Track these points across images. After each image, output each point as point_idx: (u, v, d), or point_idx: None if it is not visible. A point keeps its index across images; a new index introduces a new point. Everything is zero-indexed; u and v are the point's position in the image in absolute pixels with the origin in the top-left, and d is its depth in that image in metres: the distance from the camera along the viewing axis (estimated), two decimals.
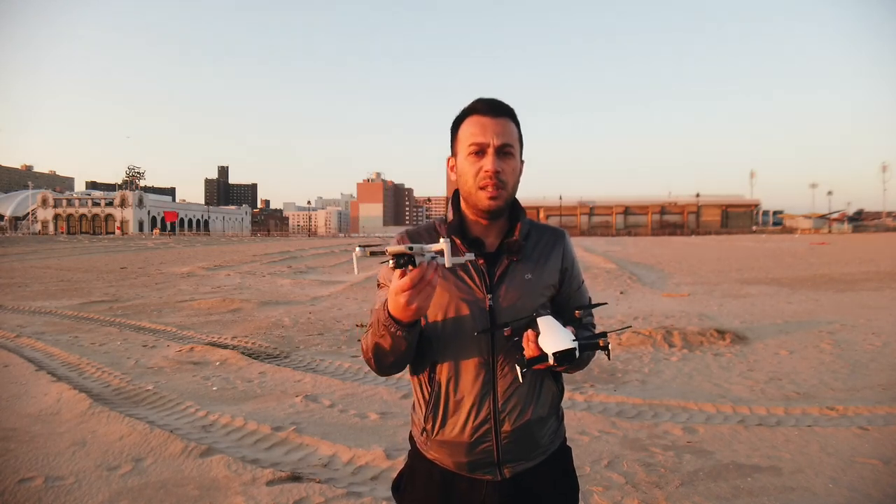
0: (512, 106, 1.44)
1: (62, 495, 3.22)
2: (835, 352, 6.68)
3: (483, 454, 1.40)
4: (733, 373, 5.85)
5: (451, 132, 1.46)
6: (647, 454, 3.77)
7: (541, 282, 1.43)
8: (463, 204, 1.47)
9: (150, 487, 3.33)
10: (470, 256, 1.19)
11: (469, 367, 1.39)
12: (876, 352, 6.66)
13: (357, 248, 1.14)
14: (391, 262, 1.10)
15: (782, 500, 3.14)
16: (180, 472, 3.52)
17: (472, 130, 1.40)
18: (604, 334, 1.22)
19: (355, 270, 1.32)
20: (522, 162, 1.48)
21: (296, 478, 3.41)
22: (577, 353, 1.16)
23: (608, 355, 1.23)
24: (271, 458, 3.77)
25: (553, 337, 1.18)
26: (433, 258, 1.12)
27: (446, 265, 1.11)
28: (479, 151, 1.39)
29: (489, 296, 1.39)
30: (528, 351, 1.23)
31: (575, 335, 1.20)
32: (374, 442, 3.97)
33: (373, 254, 1.15)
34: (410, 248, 1.08)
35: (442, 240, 1.12)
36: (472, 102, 1.44)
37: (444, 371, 1.41)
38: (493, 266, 1.42)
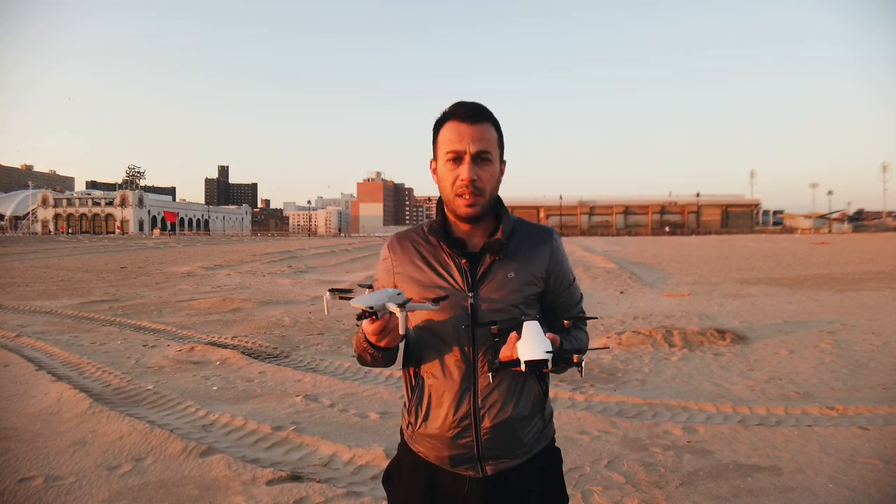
0: (491, 109, 1.45)
1: (62, 495, 3.22)
2: (835, 352, 6.68)
3: (464, 449, 1.43)
4: (733, 373, 5.85)
5: (433, 135, 1.48)
6: (647, 454, 3.77)
7: (524, 280, 1.45)
8: (446, 207, 1.49)
9: (150, 487, 3.34)
10: (429, 305, 1.33)
11: (451, 364, 1.43)
12: (876, 352, 6.66)
13: (327, 293, 1.31)
14: (361, 333, 1.27)
15: (782, 500, 3.14)
16: (180, 472, 3.52)
17: (450, 137, 1.41)
18: (580, 350, 1.24)
19: (325, 311, 1.51)
20: (504, 163, 1.49)
21: (296, 477, 3.41)
22: (550, 365, 1.18)
23: (580, 373, 1.25)
24: (271, 458, 3.77)
25: (530, 344, 1.20)
26: (404, 299, 1.26)
27: (401, 327, 1.25)
28: (457, 158, 1.40)
29: (471, 294, 1.42)
30: (505, 352, 1.26)
31: (555, 345, 1.23)
32: (375, 441, 3.97)
33: (341, 297, 1.30)
34: (371, 308, 1.22)
35: (397, 307, 1.23)
36: (451, 106, 1.44)
37: (427, 367, 1.46)
38: (476, 265, 1.44)
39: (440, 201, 1.50)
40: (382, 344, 1.33)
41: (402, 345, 1.52)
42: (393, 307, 1.23)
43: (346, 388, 5.36)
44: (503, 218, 1.48)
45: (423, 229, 1.52)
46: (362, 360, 1.47)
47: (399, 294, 1.27)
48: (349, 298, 1.28)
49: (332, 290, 1.32)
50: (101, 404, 4.76)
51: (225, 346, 7.21)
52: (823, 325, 8.34)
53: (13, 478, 3.42)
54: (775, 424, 4.32)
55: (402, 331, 1.24)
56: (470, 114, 1.41)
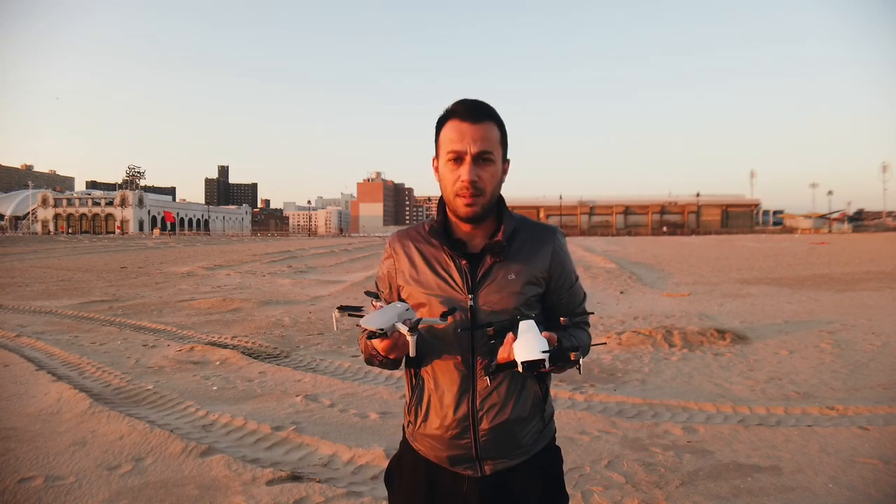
0: (494, 107, 1.42)
1: (62, 495, 3.22)
2: (835, 352, 6.68)
3: (462, 449, 1.43)
4: (733, 372, 5.85)
5: (435, 133, 1.46)
6: (647, 454, 3.77)
7: (524, 281, 1.43)
8: (447, 206, 1.48)
9: (150, 487, 3.34)
10: (436, 321, 1.32)
11: (450, 365, 1.43)
12: (876, 352, 6.66)
13: (336, 310, 1.31)
14: (366, 334, 1.25)
15: (782, 500, 3.14)
16: (180, 472, 3.52)
17: (451, 136, 1.39)
18: (577, 348, 1.22)
19: (334, 328, 1.53)
20: (508, 161, 1.47)
21: (296, 477, 3.41)
22: (547, 364, 1.17)
23: (579, 370, 1.24)
24: (271, 458, 3.77)
25: (526, 345, 1.19)
26: (414, 322, 1.26)
27: (412, 348, 1.26)
28: (457, 158, 1.39)
29: (470, 296, 1.41)
30: (502, 354, 1.25)
31: (552, 344, 1.22)
32: (375, 441, 3.97)
33: (351, 315, 1.30)
34: (381, 330, 1.22)
35: (407, 331, 1.23)
36: (453, 104, 1.42)
37: (427, 368, 1.47)
38: (477, 266, 1.43)
39: (441, 201, 1.48)
40: (392, 356, 1.34)
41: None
42: (403, 329, 1.23)
43: (346, 388, 5.36)
44: (504, 218, 1.46)
45: (425, 228, 1.51)
46: (370, 363, 1.48)
47: (408, 310, 1.27)
48: (359, 316, 1.28)
49: (341, 308, 1.32)
50: (101, 404, 4.76)
51: (225, 346, 7.21)
52: (823, 325, 8.34)
53: (13, 478, 3.42)
54: (775, 424, 4.32)
55: (412, 353, 1.25)
56: (472, 113, 1.38)
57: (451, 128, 1.40)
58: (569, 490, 3.27)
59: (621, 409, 4.72)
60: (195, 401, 4.96)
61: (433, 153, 1.49)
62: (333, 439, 4.03)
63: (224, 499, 3.19)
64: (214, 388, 5.46)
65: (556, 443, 1.57)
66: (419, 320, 1.27)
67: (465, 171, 1.37)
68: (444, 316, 1.33)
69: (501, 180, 1.45)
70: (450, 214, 1.47)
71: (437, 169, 1.47)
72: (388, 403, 4.90)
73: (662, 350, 6.86)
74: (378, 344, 1.27)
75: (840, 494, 3.18)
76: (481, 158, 1.38)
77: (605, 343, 1.51)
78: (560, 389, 5.19)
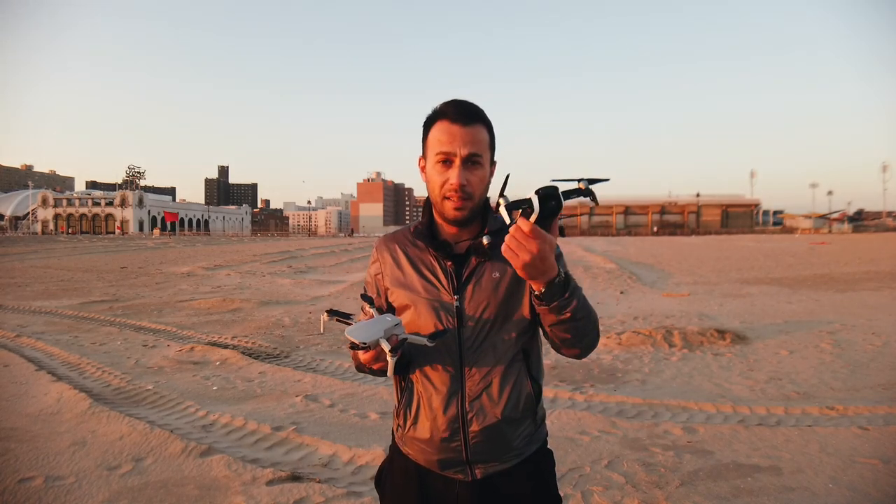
0: (489, 108, 1.41)
1: (62, 495, 3.22)
2: (835, 352, 6.68)
3: (452, 453, 1.41)
4: (733, 373, 5.85)
5: (423, 132, 1.44)
6: (647, 454, 3.76)
7: (510, 280, 1.41)
8: (434, 208, 1.46)
9: (150, 487, 3.34)
10: (423, 340, 1.30)
11: (438, 368, 1.42)
12: (876, 352, 6.66)
13: (325, 313, 1.34)
14: (349, 343, 1.24)
15: (782, 500, 3.14)
16: (180, 472, 3.52)
17: (440, 138, 1.37)
18: (581, 180, 1.14)
19: (321, 330, 1.54)
20: (495, 164, 1.46)
21: (296, 477, 3.41)
22: (559, 194, 1.12)
23: (595, 200, 1.15)
24: (271, 458, 3.77)
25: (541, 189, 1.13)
26: (397, 343, 1.25)
27: (390, 369, 1.25)
28: (446, 161, 1.37)
29: (456, 297, 1.40)
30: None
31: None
32: (375, 441, 3.97)
33: (339, 320, 1.32)
34: (364, 343, 1.21)
35: (388, 350, 1.22)
36: (442, 105, 1.41)
37: (415, 371, 1.45)
38: (462, 267, 1.42)
39: (428, 202, 1.47)
40: (376, 367, 1.33)
41: None
42: (385, 347, 1.21)
43: (346, 388, 5.36)
44: (489, 219, 1.45)
45: (411, 230, 1.50)
46: (361, 370, 1.47)
47: (397, 325, 1.25)
48: (346, 324, 1.28)
49: (329, 311, 1.33)
50: (101, 404, 4.76)
51: (225, 346, 7.21)
52: (823, 325, 8.34)
53: (13, 478, 3.42)
54: (775, 424, 4.32)
55: (389, 374, 1.24)
56: (462, 114, 1.37)
57: (440, 129, 1.38)
58: (569, 490, 3.28)
59: (621, 409, 4.72)
60: (195, 401, 4.96)
61: (420, 153, 1.48)
62: (333, 439, 4.03)
63: (224, 499, 3.19)
64: (214, 388, 5.46)
65: (550, 445, 1.56)
66: (404, 340, 1.26)
67: (454, 175, 1.36)
68: (432, 338, 1.31)
69: (489, 183, 1.44)
70: (436, 216, 1.46)
71: (423, 169, 1.45)
72: (388, 403, 4.90)
73: (662, 350, 6.87)
74: (361, 355, 1.28)
75: (840, 494, 3.18)
76: (470, 161, 1.37)
77: (608, 179, 1.22)
78: (560, 389, 5.19)
